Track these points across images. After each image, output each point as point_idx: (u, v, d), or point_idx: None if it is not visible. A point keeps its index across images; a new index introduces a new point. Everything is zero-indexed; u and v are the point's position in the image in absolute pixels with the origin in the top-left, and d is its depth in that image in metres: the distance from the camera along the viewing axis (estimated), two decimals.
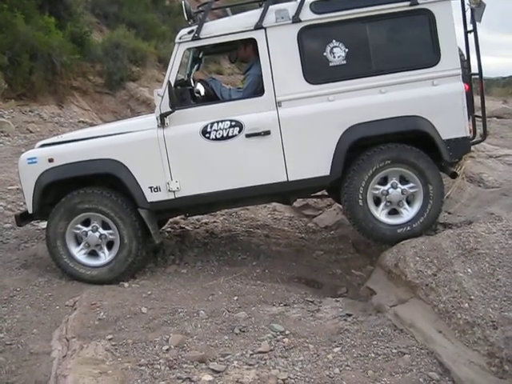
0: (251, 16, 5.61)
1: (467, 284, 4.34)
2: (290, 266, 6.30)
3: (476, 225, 5.14)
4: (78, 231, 5.83)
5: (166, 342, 4.43)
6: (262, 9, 5.55)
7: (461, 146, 5.66)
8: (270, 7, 5.54)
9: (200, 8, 6.06)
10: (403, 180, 5.66)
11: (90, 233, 5.79)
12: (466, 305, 4.18)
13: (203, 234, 7.31)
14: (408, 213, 5.68)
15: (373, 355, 4.20)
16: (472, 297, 4.20)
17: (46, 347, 4.55)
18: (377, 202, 5.70)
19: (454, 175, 5.88)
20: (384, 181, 5.67)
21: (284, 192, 5.94)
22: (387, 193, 5.64)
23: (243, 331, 4.63)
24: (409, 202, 5.69)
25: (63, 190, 5.78)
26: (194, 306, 5.08)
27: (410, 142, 5.61)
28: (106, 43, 17.99)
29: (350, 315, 4.90)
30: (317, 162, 5.62)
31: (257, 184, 5.64)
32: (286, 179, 5.64)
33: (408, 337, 4.44)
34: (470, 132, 5.82)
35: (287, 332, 4.58)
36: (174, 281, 5.76)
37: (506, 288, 4.17)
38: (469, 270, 4.49)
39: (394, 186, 5.64)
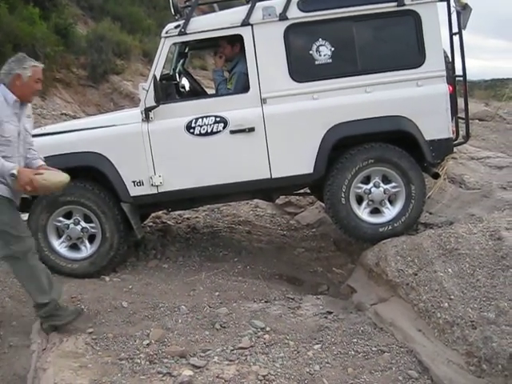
0: (238, 12, 5.61)
1: (447, 284, 4.38)
2: (271, 262, 6.33)
3: (457, 225, 5.19)
4: (59, 224, 5.79)
5: (146, 336, 4.42)
6: (249, 5, 5.56)
7: (443, 147, 5.71)
8: (257, 4, 5.55)
9: (187, 3, 6.06)
10: (386, 179, 5.70)
11: (71, 226, 5.76)
12: (446, 304, 4.22)
13: (185, 230, 7.31)
14: (390, 212, 5.72)
15: (353, 353, 4.23)
16: (452, 296, 4.24)
17: (26, 340, 4.52)
18: (359, 200, 5.74)
19: (436, 176, 5.93)
20: (367, 180, 5.70)
21: (267, 189, 5.95)
22: (370, 192, 5.67)
23: (224, 327, 4.63)
24: (391, 202, 5.74)
25: None
26: (175, 300, 5.07)
27: (394, 141, 5.65)
28: (90, 35, 17.82)
29: (330, 313, 4.93)
30: (300, 160, 5.63)
31: (240, 180, 5.65)
32: (269, 176, 5.65)
33: (388, 335, 4.48)
34: (453, 133, 5.87)
35: (268, 328, 4.59)
36: (155, 275, 5.75)
37: (485, 288, 4.21)
38: (449, 269, 4.53)
39: (376, 185, 5.67)
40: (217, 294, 5.30)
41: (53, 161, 5.60)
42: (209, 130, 5.56)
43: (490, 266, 4.41)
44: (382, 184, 5.68)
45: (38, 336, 4.52)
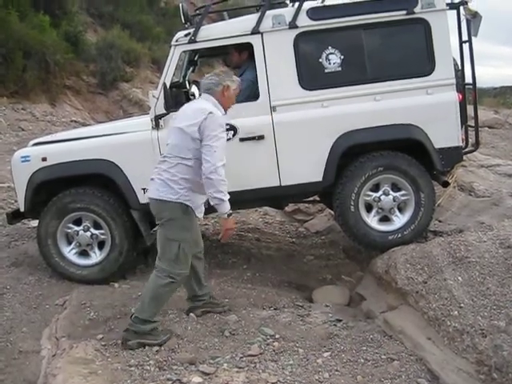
0: (248, 20, 5.63)
1: (457, 292, 4.37)
2: (280, 270, 6.32)
3: (467, 233, 5.18)
4: (69, 230, 5.82)
5: None
6: (259, 14, 5.58)
7: (453, 155, 5.69)
8: (267, 12, 5.56)
9: (197, 11, 6.09)
10: (395, 187, 5.68)
11: (81, 232, 5.79)
12: (456, 312, 4.21)
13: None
14: (399, 220, 5.70)
15: (362, 361, 4.22)
16: (462, 305, 4.23)
17: (36, 346, 4.54)
18: (368, 208, 5.73)
19: (445, 184, 5.89)
20: (376, 188, 5.69)
21: (276, 197, 5.94)
22: (379, 200, 5.67)
23: (233, 334, 4.63)
24: (400, 210, 5.72)
25: (55, 189, 5.77)
26: (184, 307, 5.07)
27: (404, 149, 5.64)
28: (100, 43, 17.95)
29: (339, 320, 4.92)
30: (310, 168, 5.63)
31: (249, 188, 5.64)
32: (278, 184, 5.64)
33: (397, 343, 4.46)
34: (463, 141, 5.86)
35: (277, 336, 4.59)
36: None
37: (495, 297, 4.20)
38: (459, 278, 4.52)
39: (385, 193, 5.66)
40: (226, 301, 5.29)
41: (62, 168, 5.65)
42: None
43: (500, 275, 4.41)
44: (391, 192, 5.66)
45: (48, 342, 4.55)
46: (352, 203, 5.63)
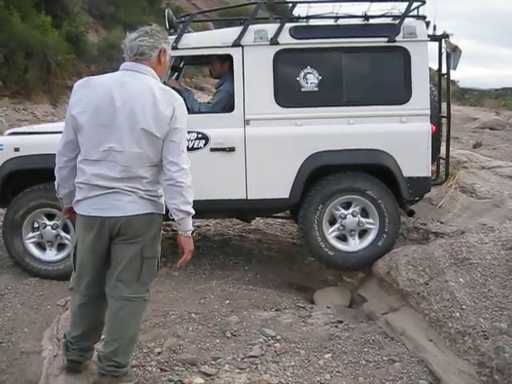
0: (230, 33, 5.67)
1: (459, 293, 4.37)
2: (281, 271, 6.32)
3: (468, 235, 5.18)
4: (34, 239, 5.78)
5: (157, 344, 4.42)
6: (242, 27, 5.61)
7: (421, 185, 5.74)
8: (250, 26, 5.60)
9: (182, 19, 6.14)
10: (346, 205, 5.73)
11: (42, 231, 5.74)
12: (458, 314, 4.21)
13: (195, 238, 7.23)
14: (373, 224, 5.73)
15: (364, 362, 4.22)
16: (463, 306, 4.23)
17: (37, 346, 4.51)
18: (343, 237, 5.78)
19: (411, 213, 5.84)
20: (334, 219, 5.75)
21: (242, 209, 6.00)
22: (343, 227, 5.73)
23: (235, 335, 4.63)
24: (367, 216, 5.75)
25: (27, 181, 5.71)
26: (185, 308, 5.07)
27: (375, 175, 5.68)
28: (101, 44, 18.02)
29: (341, 322, 4.92)
30: (277, 184, 5.67)
31: (215, 198, 5.66)
32: (245, 197, 5.68)
33: (399, 345, 4.46)
34: (433, 173, 5.89)
35: (278, 337, 4.59)
36: (165, 283, 5.74)
37: (497, 298, 4.20)
38: (461, 279, 4.51)
39: (343, 217, 5.70)
40: (227, 302, 5.30)
41: (33, 160, 5.56)
42: (190, 146, 5.49)
43: (501, 276, 4.40)
44: (345, 211, 5.71)
45: (49, 342, 4.53)
46: (326, 250, 5.72)
